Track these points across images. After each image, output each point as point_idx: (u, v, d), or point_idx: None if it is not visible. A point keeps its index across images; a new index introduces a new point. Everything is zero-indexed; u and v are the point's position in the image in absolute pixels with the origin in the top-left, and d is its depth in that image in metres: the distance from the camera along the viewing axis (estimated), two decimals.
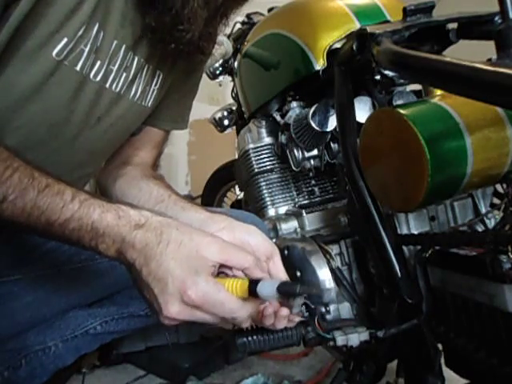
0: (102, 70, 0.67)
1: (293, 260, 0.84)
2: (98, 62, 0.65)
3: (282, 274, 0.65)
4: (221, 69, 1.35)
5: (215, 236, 0.58)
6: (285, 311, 0.60)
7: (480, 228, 0.79)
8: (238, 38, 1.28)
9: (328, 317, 0.80)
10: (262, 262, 0.66)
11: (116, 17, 0.65)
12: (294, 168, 1.03)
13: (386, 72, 0.85)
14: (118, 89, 0.70)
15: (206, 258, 0.54)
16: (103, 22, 0.64)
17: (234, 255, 0.56)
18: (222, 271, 0.58)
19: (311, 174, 1.05)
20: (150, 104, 0.79)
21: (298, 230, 0.98)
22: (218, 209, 1.41)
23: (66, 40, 0.60)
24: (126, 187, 0.81)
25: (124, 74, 0.70)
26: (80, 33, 0.61)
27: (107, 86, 0.68)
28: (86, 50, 0.63)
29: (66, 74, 0.62)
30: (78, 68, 0.63)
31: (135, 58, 0.71)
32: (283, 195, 1.09)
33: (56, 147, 0.68)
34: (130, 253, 0.53)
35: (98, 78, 0.67)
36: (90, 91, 0.67)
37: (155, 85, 0.78)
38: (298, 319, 0.63)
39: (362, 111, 0.87)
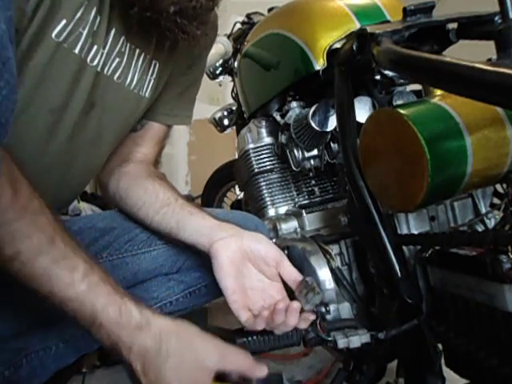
0: (99, 55, 0.67)
1: (293, 260, 0.83)
2: (95, 47, 0.66)
3: (295, 275, 0.69)
4: (221, 69, 1.35)
5: (216, 342, 0.59)
6: (296, 304, 0.61)
7: (480, 228, 0.79)
8: (238, 38, 1.28)
9: (328, 317, 0.80)
10: (272, 268, 0.69)
11: (109, 1, 0.65)
12: (293, 168, 1.03)
13: (386, 72, 0.85)
14: (109, 73, 0.70)
15: (205, 368, 0.56)
16: (100, 7, 0.64)
17: (232, 361, 0.58)
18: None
19: (311, 174, 1.05)
20: (147, 94, 0.78)
21: (298, 230, 0.98)
22: (219, 210, 1.40)
23: (64, 21, 0.60)
24: (130, 187, 0.80)
25: (117, 59, 0.70)
26: (78, 15, 0.61)
27: (99, 69, 0.68)
28: (84, 33, 0.63)
29: (66, 57, 0.62)
30: (76, 51, 0.63)
31: (127, 44, 0.71)
32: (283, 195, 1.09)
33: (57, 135, 0.67)
34: (126, 353, 0.54)
35: (95, 63, 0.67)
36: (88, 76, 0.67)
37: (151, 74, 0.78)
38: (312, 317, 0.64)
39: (362, 111, 0.87)
